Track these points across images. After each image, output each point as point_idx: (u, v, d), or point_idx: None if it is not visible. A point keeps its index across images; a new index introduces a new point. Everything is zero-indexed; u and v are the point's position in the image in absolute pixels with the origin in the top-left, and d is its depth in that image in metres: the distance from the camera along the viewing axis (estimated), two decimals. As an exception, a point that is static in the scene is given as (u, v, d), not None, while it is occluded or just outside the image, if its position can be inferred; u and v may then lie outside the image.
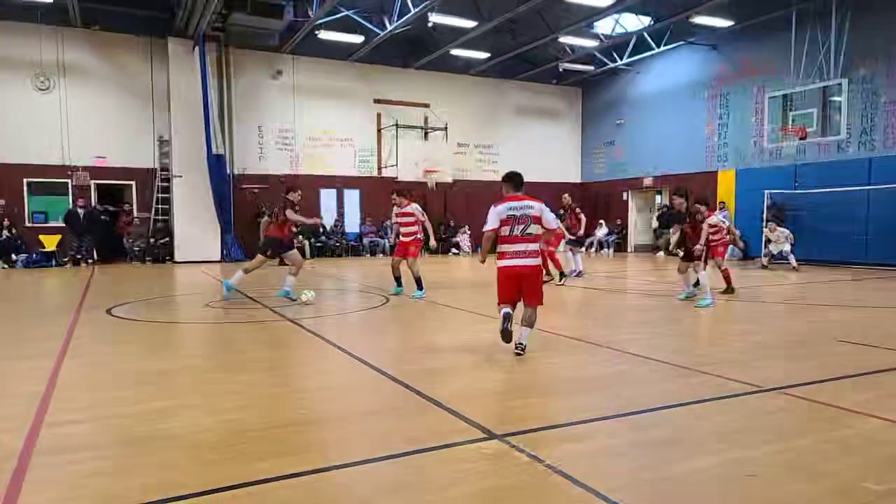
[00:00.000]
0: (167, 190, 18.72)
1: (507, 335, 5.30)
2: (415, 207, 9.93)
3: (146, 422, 3.79)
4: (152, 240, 18.37)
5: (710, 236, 9.29)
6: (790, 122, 15.54)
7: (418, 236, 9.90)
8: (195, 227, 18.18)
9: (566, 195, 13.29)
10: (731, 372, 4.91)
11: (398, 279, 10.09)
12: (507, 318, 5.29)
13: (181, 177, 18.18)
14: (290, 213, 9.13)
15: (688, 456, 3.23)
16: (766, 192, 16.74)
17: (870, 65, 15.36)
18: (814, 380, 4.67)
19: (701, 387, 4.55)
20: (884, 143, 15.24)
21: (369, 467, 3.12)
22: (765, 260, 15.36)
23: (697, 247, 8.85)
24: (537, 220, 5.45)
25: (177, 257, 18.23)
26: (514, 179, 5.66)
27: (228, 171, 18.80)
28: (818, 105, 15.17)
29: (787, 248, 14.88)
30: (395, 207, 10.14)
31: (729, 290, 10.03)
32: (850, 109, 15.13)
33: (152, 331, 7.30)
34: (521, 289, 5.49)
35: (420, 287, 9.76)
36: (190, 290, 11.64)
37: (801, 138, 15.28)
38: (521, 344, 5.43)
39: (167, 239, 18.49)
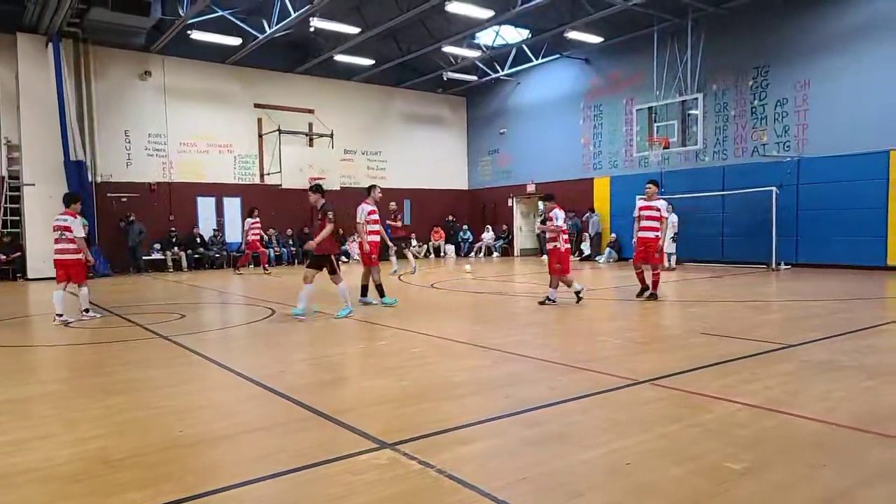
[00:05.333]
0: (17, 200, 16.91)
1: None
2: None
3: (-6, 458, 3.38)
4: (1, 255, 16.49)
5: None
6: (655, 133, 16.82)
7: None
8: (51, 241, 16.48)
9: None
10: (609, 367, 5.20)
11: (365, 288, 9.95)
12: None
13: (33, 185, 16.47)
14: None
15: (573, 450, 3.36)
16: (637, 197, 17.94)
17: (722, 81, 16.99)
18: (681, 370, 5.05)
19: (583, 382, 4.77)
20: (734, 152, 16.89)
21: (255, 487, 2.96)
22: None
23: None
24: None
25: (30, 274, 16.46)
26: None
27: (90, 179, 17.31)
28: (678, 117, 16.53)
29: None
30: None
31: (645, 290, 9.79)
32: (705, 122, 16.64)
33: (2, 356, 6.53)
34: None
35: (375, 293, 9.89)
36: (47, 310, 10.53)
37: (664, 147, 16.57)
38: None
39: (18, 254, 16.69)
